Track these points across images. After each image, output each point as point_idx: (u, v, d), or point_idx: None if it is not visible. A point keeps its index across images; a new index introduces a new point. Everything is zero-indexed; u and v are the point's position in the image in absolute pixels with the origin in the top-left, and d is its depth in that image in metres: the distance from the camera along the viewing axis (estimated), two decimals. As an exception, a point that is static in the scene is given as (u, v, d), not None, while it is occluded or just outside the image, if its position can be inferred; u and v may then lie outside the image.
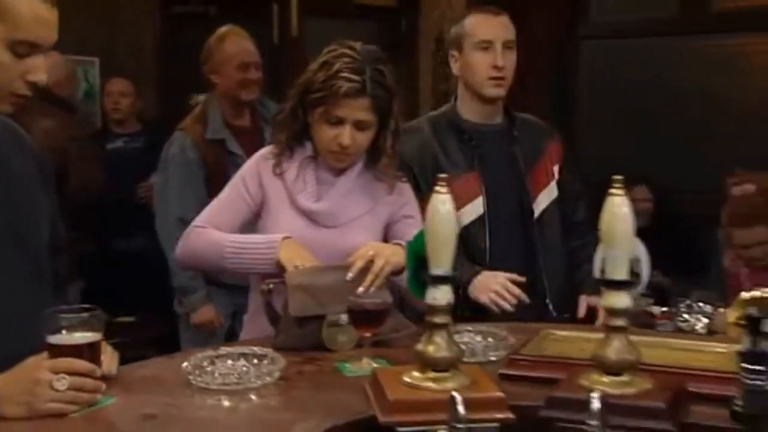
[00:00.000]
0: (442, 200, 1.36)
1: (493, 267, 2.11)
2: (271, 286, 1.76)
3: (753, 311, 1.15)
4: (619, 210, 1.35)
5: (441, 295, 1.35)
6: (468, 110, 2.24)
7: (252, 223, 1.95)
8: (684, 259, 3.47)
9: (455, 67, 2.25)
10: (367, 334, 1.61)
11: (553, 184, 2.28)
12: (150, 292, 3.71)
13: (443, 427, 1.25)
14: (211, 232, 1.88)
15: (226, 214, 1.91)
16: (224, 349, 1.57)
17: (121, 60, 4.74)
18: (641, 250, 1.36)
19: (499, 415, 1.30)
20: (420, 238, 1.39)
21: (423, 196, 2.07)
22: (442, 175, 1.38)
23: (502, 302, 2.01)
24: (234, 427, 1.34)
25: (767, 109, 4.22)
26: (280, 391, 1.45)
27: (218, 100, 2.89)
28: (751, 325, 1.16)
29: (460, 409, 1.22)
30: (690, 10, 4.50)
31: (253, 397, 1.42)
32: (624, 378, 1.34)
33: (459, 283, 1.95)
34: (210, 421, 1.34)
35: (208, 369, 1.49)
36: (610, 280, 1.35)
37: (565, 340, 1.68)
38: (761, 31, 4.29)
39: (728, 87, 4.36)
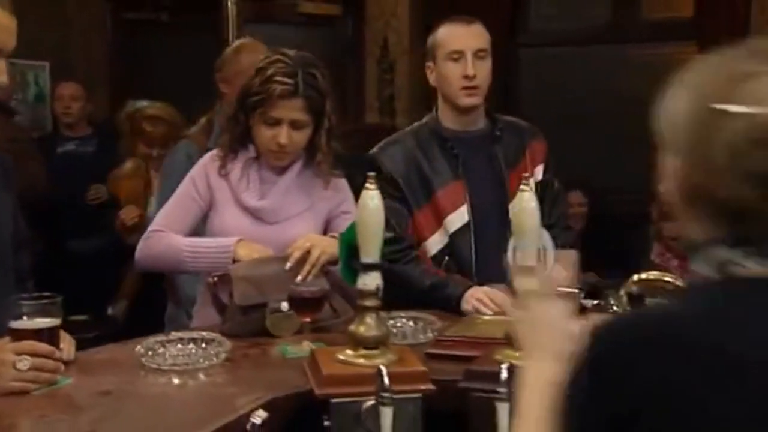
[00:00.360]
0: (371, 196, 1.52)
1: (480, 273, 2.16)
2: (215, 278, 1.91)
3: (633, 289, 1.32)
4: (527, 205, 1.53)
5: (370, 281, 1.51)
6: (448, 119, 2.28)
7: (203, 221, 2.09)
8: (619, 258, 3.60)
9: (431, 78, 2.29)
10: (307, 320, 1.76)
11: (532, 185, 2.30)
12: (103, 291, 3.81)
13: (371, 398, 1.42)
14: (170, 236, 2.01)
15: (180, 217, 2.04)
16: (174, 334, 1.70)
17: (72, 64, 4.81)
18: (546, 239, 1.54)
19: (421, 387, 1.46)
20: (351, 230, 1.54)
21: (411, 208, 2.20)
22: (371, 173, 1.54)
23: (483, 308, 2.02)
24: (183, 401, 1.48)
25: (692, 114, 4.48)
26: (226, 371, 1.59)
27: (225, 111, 2.81)
28: (634, 302, 1.33)
29: (386, 381, 1.38)
30: (621, 20, 4.77)
31: (201, 375, 1.57)
32: (533, 353, 1.51)
33: (452, 298, 2.07)
34: (162, 396, 1.48)
35: (160, 351, 1.62)
36: (521, 266, 1.52)
37: (487, 322, 1.85)
38: (686, 39, 4.56)
39: (656, 92, 4.61)
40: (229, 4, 4.03)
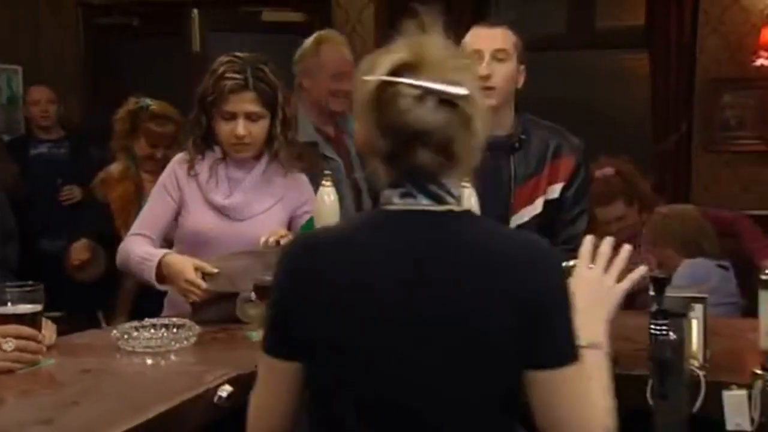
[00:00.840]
0: (327, 192, 1.69)
1: None
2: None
3: (658, 273, 1.47)
4: (326, 199, 1.69)
5: (327, 269, 1.66)
6: None
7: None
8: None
9: None
10: (271, 306, 1.91)
11: (539, 201, 2.27)
12: (75, 290, 3.92)
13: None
14: (135, 242, 2.15)
15: (155, 220, 2.19)
16: (148, 321, 1.85)
17: (45, 68, 4.91)
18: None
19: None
20: (310, 222, 1.70)
21: None
22: (327, 172, 1.70)
23: None
24: (156, 378, 1.62)
25: (642, 116, 4.73)
26: (195, 352, 1.75)
27: (306, 106, 2.81)
28: (657, 286, 1.48)
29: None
30: (576, 29, 4.99)
31: (172, 356, 1.71)
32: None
33: None
34: (136, 373, 1.63)
35: (134, 335, 1.77)
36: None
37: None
38: (637, 47, 4.80)
39: (609, 96, 4.84)
40: (194, 13, 4.15)
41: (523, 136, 2.27)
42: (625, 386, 1.56)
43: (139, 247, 2.12)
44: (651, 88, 4.80)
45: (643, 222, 3.40)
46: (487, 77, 2.18)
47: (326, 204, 1.67)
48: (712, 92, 4.68)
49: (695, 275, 2.80)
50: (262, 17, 4.54)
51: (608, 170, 3.42)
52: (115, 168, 3.16)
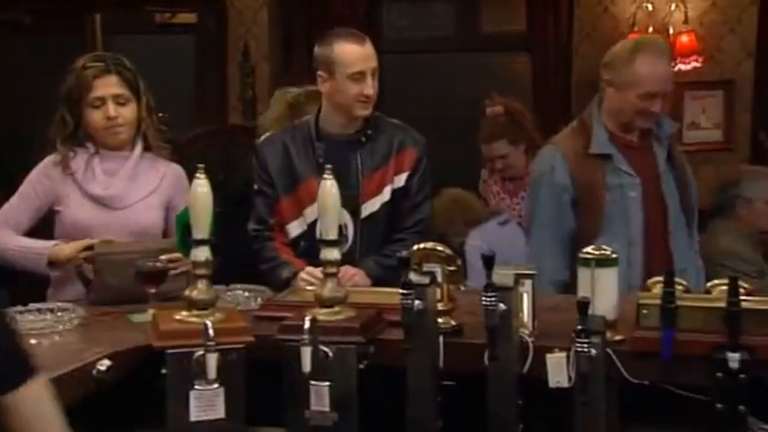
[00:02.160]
0: (201, 184, 1.84)
1: None
2: (81, 259, 2.19)
3: (485, 252, 1.67)
4: (329, 190, 1.88)
5: (201, 254, 1.82)
6: (330, 122, 2.52)
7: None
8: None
9: (323, 87, 2.47)
10: (152, 290, 2.06)
11: (387, 189, 2.50)
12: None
13: (200, 348, 1.73)
14: (5, 235, 2.28)
15: (18, 215, 2.33)
16: (32, 305, 1.97)
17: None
18: (347, 218, 1.90)
19: (242, 339, 1.79)
20: (185, 212, 1.85)
21: (278, 194, 2.48)
22: (201, 165, 1.85)
23: (303, 284, 2.32)
24: (39, 355, 1.72)
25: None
26: (78, 333, 1.88)
27: (606, 106, 2.61)
28: (486, 261, 1.68)
29: (211, 333, 1.70)
30: (463, 32, 5.27)
31: (56, 337, 1.84)
32: (335, 309, 1.85)
33: (282, 279, 2.38)
34: (20, 352, 1.74)
35: (18, 318, 1.88)
36: (325, 239, 1.87)
37: (307, 292, 2.19)
38: (519, 50, 5.12)
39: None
40: (97, 18, 4.20)
41: (369, 132, 2.52)
42: (467, 352, 1.80)
43: (12, 240, 2.23)
44: (532, 88, 5.12)
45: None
46: (370, 96, 2.45)
47: (199, 194, 1.81)
48: (588, 94, 5.01)
49: None
50: (155, 19, 4.63)
51: (498, 108, 3.60)
52: None
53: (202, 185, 1.83)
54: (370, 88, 2.43)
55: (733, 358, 1.60)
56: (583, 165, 2.56)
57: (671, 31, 4.84)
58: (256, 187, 2.60)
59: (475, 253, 2.90)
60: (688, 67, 4.77)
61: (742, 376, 1.60)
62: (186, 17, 4.71)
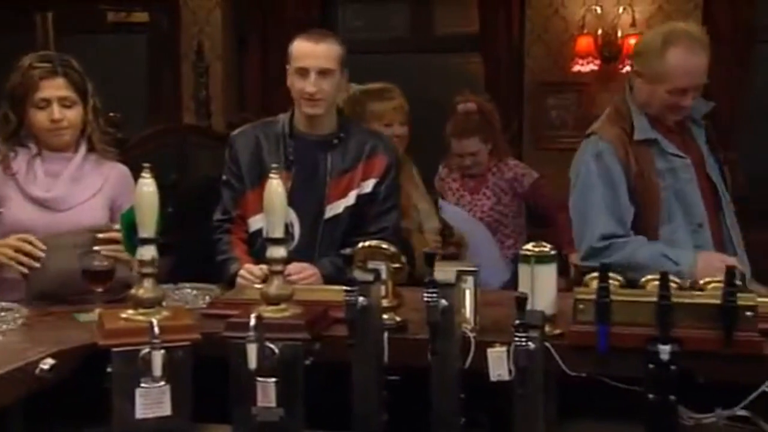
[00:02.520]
0: (147, 183, 1.84)
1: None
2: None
3: (426, 250, 1.71)
4: (275, 189, 1.90)
5: (147, 253, 1.83)
6: (299, 120, 2.56)
7: None
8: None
9: (289, 81, 2.52)
10: (99, 289, 2.06)
11: (352, 194, 2.54)
12: None
13: (146, 346, 1.74)
14: None
15: None
16: (-25, 306, 1.95)
17: None
18: (293, 217, 1.92)
19: (188, 336, 1.80)
20: (131, 211, 1.86)
21: (245, 187, 2.49)
22: (147, 165, 1.86)
23: (245, 282, 2.34)
24: (-19, 355, 1.74)
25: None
26: (22, 333, 1.87)
27: (636, 100, 2.52)
28: (427, 259, 1.72)
29: (156, 331, 1.71)
30: (417, 34, 5.33)
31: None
32: (282, 307, 1.87)
33: (230, 273, 2.41)
34: (-37, 352, 1.74)
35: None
36: (271, 237, 1.89)
37: (253, 290, 2.21)
38: (472, 51, 5.19)
39: (448, 96, 5.19)
40: (49, 16, 4.17)
41: (341, 135, 2.56)
42: (411, 348, 1.84)
43: None
44: (485, 89, 5.20)
45: (491, 168, 3.67)
46: (313, 94, 2.47)
47: (145, 193, 1.82)
48: (539, 94, 5.13)
49: None
50: (107, 18, 4.60)
51: (471, 105, 3.66)
52: None
53: (147, 184, 1.84)
54: (311, 85, 2.45)
55: (664, 351, 1.66)
56: (631, 152, 2.46)
57: (620, 33, 4.95)
58: (224, 177, 2.63)
59: None
60: (636, 68, 4.89)
61: (672, 367, 1.66)
62: (139, 16, 4.69)
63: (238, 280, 2.38)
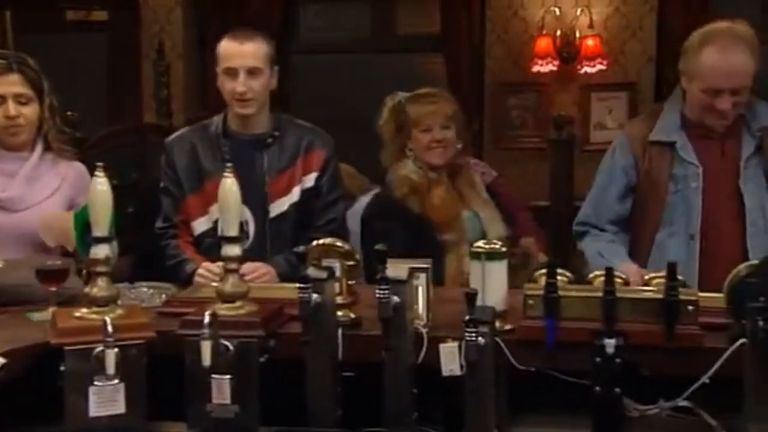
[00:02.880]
0: (100, 182, 1.84)
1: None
2: None
3: (378, 246, 1.73)
4: (230, 188, 1.91)
5: (101, 251, 1.83)
6: (233, 121, 2.57)
7: None
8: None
9: (219, 82, 2.53)
10: (53, 288, 2.05)
11: (295, 190, 2.55)
12: None
13: (99, 345, 1.74)
14: None
15: None
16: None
17: None
18: (248, 215, 1.94)
19: (143, 335, 1.81)
20: (84, 210, 1.86)
21: (184, 192, 2.49)
22: (100, 164, 1.86)
23: (203, 280, 2.37)
24: (-68, 355, 1.73)
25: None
26: (-27, 333, 1.86)
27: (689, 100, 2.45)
28: (379, 256, 1.74)
29: (109, 329, 1.72)
30: (379, 33, 5.36)
31: (-49, 337, 1.82)
32: (237, 304, 1.89)
33: (185, 274, 2.42)
34: None
35: None
36: (226, 236, 1.91)
37: (209, 288, 2.22)
38: (434, 51, 5.23)
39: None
40: (8, 15, 4.12)
41: (276, 133, 2.57)
42: (365, 344, 1.86)
43: None
44: (446, 89, 5.24)
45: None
46: (243, 93, 2.48)
47: (99, 192, 1.82)
48: (499, 94, 5.19)
49: None
50: (66, 17, 4.56)
51: None
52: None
53: (101, 183, 1.84)
54: (240, 85, 2.46)
55: (609, 344, 1.70)
56: (646, 151, 2.46)
57: (578, 35, 5.04)
58: (162, 184, 2.62)
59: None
60: (594, 69, 4.98)
61: (617, 360, 1.71)
62: (98, 15, 4.66)
63: (196, 278, 2.39)
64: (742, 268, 1.76)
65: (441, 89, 3.04)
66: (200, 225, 2.55)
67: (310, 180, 2.58)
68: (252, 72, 2.47)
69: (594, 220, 2.56)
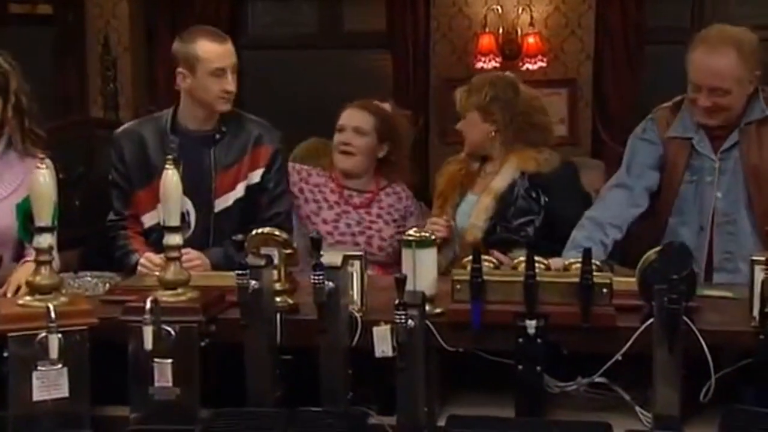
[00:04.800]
0: (42, 174, 1.89)
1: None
2: None
3: (313, 234, 1.81)
4: (171, 178, 1.98)
5: (43, 241, 1.87)
6: (188, 118, 2.58)
7: None
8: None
9: (184, 83, 2.53)
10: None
11: (240, 186, 2.59)
12: None
13: (43, 331, 1.80)
14: None
15: None
16: None
17: None
18: (189, 205, 2.00)
19: (85, 321, 1.87)
20: (26, 200, 1.91)
21: (134, 186, 2.52)
22: (41, 155, 1.91)
23: (146, 270, 2.43)
24: None
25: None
26: None
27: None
28: (314, 243, 1.82)
29: (53, 315, 1.77)
30: (326, 30, 5.44)
31: None
32: (179, 291, 1.96)
33: (131, 264, 2.46)
34: None
35: None
36: (167, 225, 1.97)
37: (151, 277, 2.27)
38: (380, 48, 5.32)
39: (358, 92, 5.31)
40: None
41: (224, 129, 2.62)
42: (303, 329, 1.95)
43: None
44: (393, 85, 5.35)
45: None
46: (232, 92, 2.56)
47: (41, 184, 1.86)
48: (444, 90, 5.29)
49: None
50: (7, 10, 4.54)
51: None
52: None
53: (43, 174, 1.88)
54: (231, 84, 2.53)
55: (531, 325, 1.82)
56: (669, 138, 2.55)
57: (519, 32, 5.17)
58: (111, 178, 2.66)
59: None
60: (535, 66, 5.12)
61: (538, 340, 1.83)
62: (43, 8, 4.64)
63: (139, 268, 2.45)
64: (651, 252, 1.89)
65: (382, 100, 3.07)
66: (149, 219, 2.60)
67: (256, 176, 2.62)
68: (234, 70, 2.55)
69: (629, 181, 2.57)
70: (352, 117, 2.85)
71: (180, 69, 2.54)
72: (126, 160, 2.59)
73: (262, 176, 2.63)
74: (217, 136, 2.61)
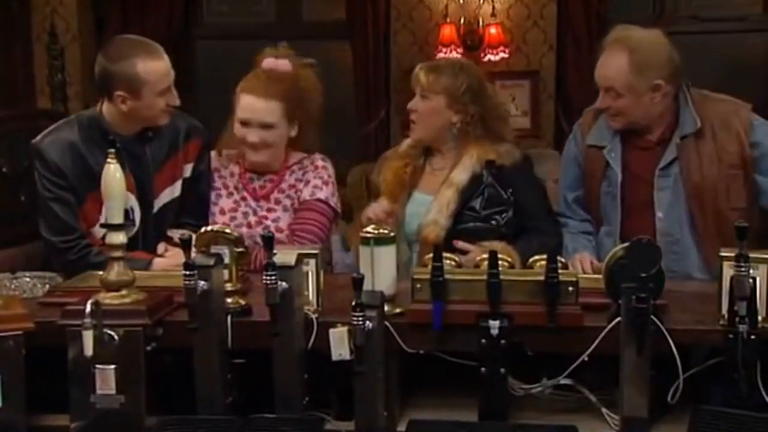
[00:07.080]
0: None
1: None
2: None
3: (264, 233, 1.72)
4: (113, 174, 1.86)
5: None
6: (119, 126, 2.42)
7: None
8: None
9: (124, 106, 2.36)
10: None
11: (177, 183, 2.50)
12: None
13: (-25, 337, 1.68)
14: None
15: None
16: None
17: None
18: (133, 202, 1.90)
19: (20, 326, 1.75)
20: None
21: (79, 197, 2.34)
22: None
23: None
24: None
25: (345, 103, 5.17)
26: None
27: None
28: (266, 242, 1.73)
29: (-16, 321, 1.66)
30: (284, 19, 5.31)
31: None
32: (123, 293, 1.85)
33: None
34: None
35: None
36: (110, 224, 1.86)
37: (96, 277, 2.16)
38: (340, 38, 5.22)
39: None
40: None
41: (153, 128, 2.48)
42: (255, 331, 1.85)
43: None
44: (354, 77, 5.25)
45: None
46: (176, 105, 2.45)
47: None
48: (406, 81, 5.19)
49: None
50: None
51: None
52: None
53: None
54: (175, 98, 2.44)
55: (494, 326, 1.75)
56: (588, 146, 2.54)
57: (481, 23, 5.11)
58: (50, 195, 2.39)
59: None
60: (497, 57, 5.06)
61: (502, 341, 1.75)
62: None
63: (156, 260, 2.35)
64: (618, 250, 1.82)
65: (277, 57, 2.86)
66: (101, 230, 2.43)
67: (188, 170, 2.54)
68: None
69: (563, 208, 2.63)
70: (256, 110, 2.51)
71: (119, 92, 2.35)
72: (65, 172, 2.38)
73: (192, 170, 2.55)
74: (150, 134, 2.49)
